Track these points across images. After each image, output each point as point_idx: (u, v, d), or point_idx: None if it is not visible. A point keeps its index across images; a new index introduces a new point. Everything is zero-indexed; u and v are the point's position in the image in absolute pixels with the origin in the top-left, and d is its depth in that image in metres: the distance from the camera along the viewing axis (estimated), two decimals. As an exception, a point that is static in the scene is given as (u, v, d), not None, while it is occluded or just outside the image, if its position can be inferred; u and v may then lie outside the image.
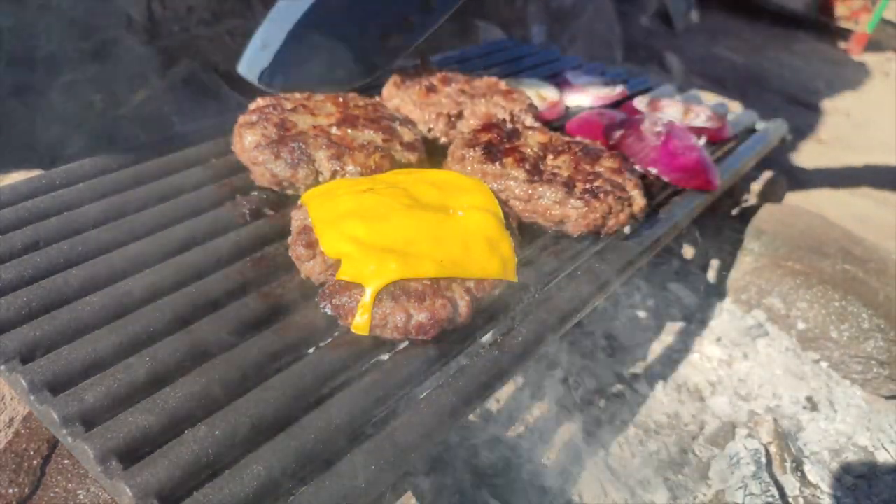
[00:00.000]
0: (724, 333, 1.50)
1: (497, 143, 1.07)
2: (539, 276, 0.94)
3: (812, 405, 1.34)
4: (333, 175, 0.96)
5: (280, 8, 1.22)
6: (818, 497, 1.15)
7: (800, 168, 2.73)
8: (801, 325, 1.47)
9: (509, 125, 1.17)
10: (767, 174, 1.82)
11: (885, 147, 3.03)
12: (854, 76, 3.95)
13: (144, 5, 1.70)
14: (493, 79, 1.33)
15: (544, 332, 0.86)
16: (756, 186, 1.79)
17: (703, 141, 1.38)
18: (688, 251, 1.74)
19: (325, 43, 1.21)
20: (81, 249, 0.86)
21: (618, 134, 1.26)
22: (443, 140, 1.17)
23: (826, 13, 4.64)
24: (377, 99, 1.18)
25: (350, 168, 0.96)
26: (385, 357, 0.78)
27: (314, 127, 1.01)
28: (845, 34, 4.52)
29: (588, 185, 1.01)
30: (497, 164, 1.02)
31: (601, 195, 1.00)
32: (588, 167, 1.06)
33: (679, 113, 1.44)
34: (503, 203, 0.96)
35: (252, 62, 1.22)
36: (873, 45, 4.42)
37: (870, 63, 4.22)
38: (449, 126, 1.17)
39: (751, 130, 1.58)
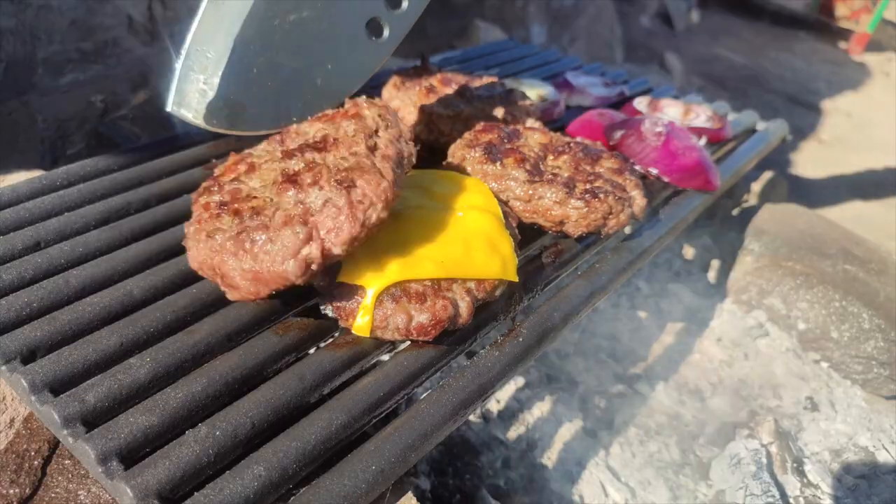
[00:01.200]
0: (724, 334, 1.50)
1: (497, 144, 1.07)
2: (539, 276, 0.94)
3: (813, 405, 1.34)
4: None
5: (207, 17, 0.88)
6: (819, 497, 1.15)
7: (800, 168, 2.73)
8: (801, 326, 1.47)
9: (510, 126, 1.17)
10: (767, 174, 1.82)
11: (885, 147, 3.03)
12: (854, 76, 3.95)
13: (145, 5, 1.70)
14: (493, 79, 1.33)
15: (545, 332, 0.86)
16: (756, 186, 1.79)
17: (703, 141, 1.38)
18: (688, 251, 1.74)
19: (281, 60, 0.92)
20: (82, 250, 0.86)
21: (618, 134, 1.26)
22: (443, 140, 1.17)
23: (826, 13, 4.64)
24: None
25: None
26: (386, 357, 0.78)
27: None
28: (845, 34, 4.52)
29: (588, 186, 1.01)
30: (497, 164, 1.02)
31: (601, 195, 1.00)
32: (588, 167, 1.06)
33: (679, 113, 1.44)
34: (503, 203, 0.96)
35: (188, 95, 0.89)
36: (873, 45, 4.42)
37: (870, 63, 4.22)
38: (449, 126, 1.17)
39: (751, 130, 1.58)
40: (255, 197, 0.74)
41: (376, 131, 0.78)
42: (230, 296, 0.74)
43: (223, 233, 0.72)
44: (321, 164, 0.73)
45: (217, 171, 0.83)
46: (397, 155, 0.76)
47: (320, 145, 0.77)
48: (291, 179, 0.72)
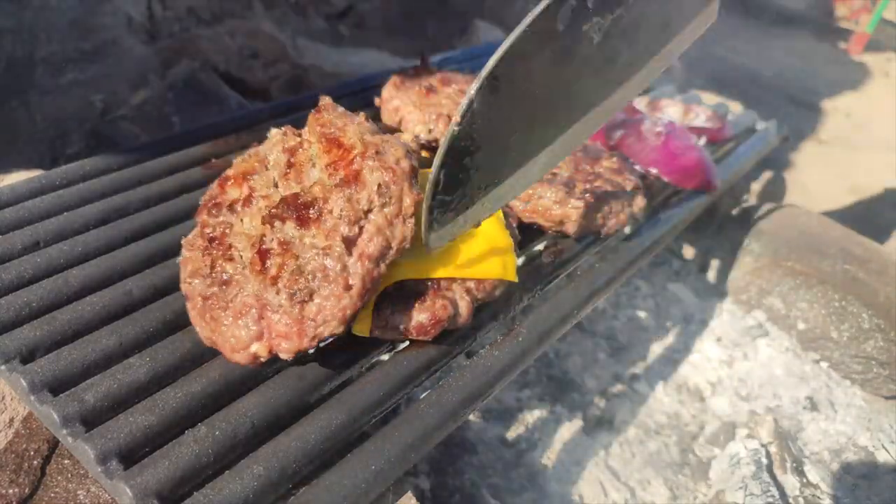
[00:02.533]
0: (724, 333, 1.50)
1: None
2: (539, 276, 0.94)
3: (812, 405, 1.34)
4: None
5: None
6: (818, 497, 1.15)
7: (800, 168, 2.72)
8: (801, 325, 1.47)
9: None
10: (767, 174, 1.82)
11: (885, 147, 3.03)
12: (854, 76, 3.94)
13: (144, 5, 1.70)
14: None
15: (544, 332, 0.86)
16: (756, 186, 1.79)
17: (703, 141, 1.38)
18: (688, 251, 1.74)
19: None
20: (81, 249, 0.86)
21: (618, 134, 1.26)
22: (443, 140, 1.17)
23: (826, 13, 4.64)
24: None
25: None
26: (385, 357, 0.78)
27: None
28: (845, 34, 4.52)
29: (588, 186, 1.01)
30: (497, 164, 1.01)
31: (601, 195, 1.00)
32: (588, 167, 1.06)
33: (679, 113, 1.44)
34: (503, 203, 0.96)
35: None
36: (873, 45, 4.41)
37: (870, 63, 4.22)
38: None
39: (751, 130, 1.58)
40: (231, 257, 0.72)
41: (368, 211, 0.70)
42: None
43: (201, 280, 0.71)
44: (291, 251, 0.69)
45: (229, 171, 0.80)
46: (381, 249, 0.69)
47: (304, 215, 0.70)
48: (262, 258, 0.69)
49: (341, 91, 1.38)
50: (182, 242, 0.77)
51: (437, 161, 0.61)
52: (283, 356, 0.67)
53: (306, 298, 0.66)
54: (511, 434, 1.20)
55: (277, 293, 0.67)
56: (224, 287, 0.70)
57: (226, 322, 0.68)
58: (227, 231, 0.75)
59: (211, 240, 0.74)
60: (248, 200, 0.77)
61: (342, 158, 0.74)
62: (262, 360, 0.68)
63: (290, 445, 0.65)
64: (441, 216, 0.66)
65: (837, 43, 4.51)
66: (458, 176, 0.64)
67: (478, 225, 0.71)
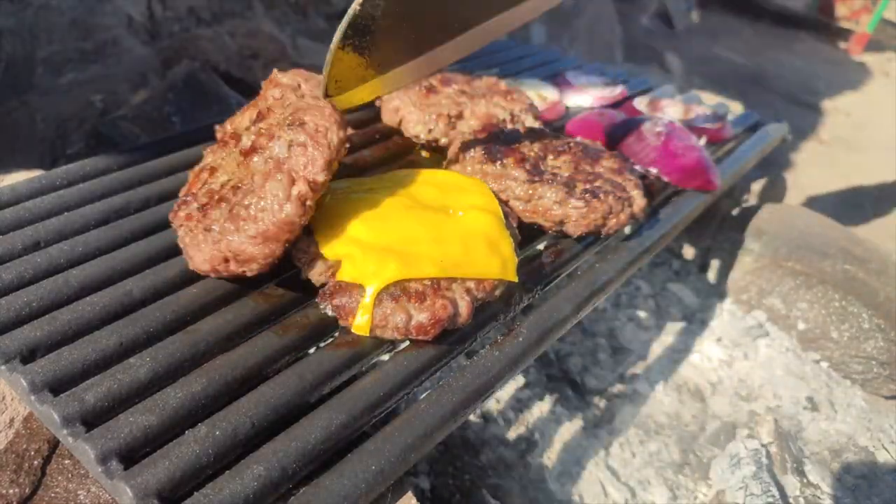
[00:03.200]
0: (724, 333, 1.50)
1: (497, 143, 1.07)
2: (539, 276, 0.94)
3: (812, 405, 1.34)
4: None
5: None
6: (819, 497, 1.15)
7: (800, 168, 2.73)
8: (801, 326, 1.47)
9: (509, 126, 1.17)
10: (767, 174, 1.82)
11: (885, 147, 3.03)
12: (854, 76, 3.95)
13: (144, 5, 1.70)
14: (493, 79, 1.33)
15: (545, 332, 0.86)
16: (756, 186, 1.79)
17: (703, 141, 1.38)
18: (688, 251, 1.74)
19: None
20: (81, 250, 0.86)
21: (618, 134, 1.26)
22: (443, 140, 1.17)
23: (826, 13, 4.65)
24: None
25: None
26: (385, 357, 0.78)
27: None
28: (845, 34, 4.52)
29: (588, 186, 1.01)
30: (497, 164, 1.02)
31: (601, 195, 1.00)
32: (588, 167, 1.06)
33: (679, 113, 1.44)
34: (503, 203, 0.96)
35: None
36: (873, 45, 4.42)
37: (870, 63, 4.22)
38: (449, 126, 1.17)
39: (751, 130, 1.58)
40: (230, 184, 0.79)
41: (298, 86, 0.85)
42: (251, 271, 0.76)
43: (218, 222, 0.75)
44: (268, 127, 0.79)
45: (182, 191, 0.86)
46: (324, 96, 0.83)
47: (258, 119, 0.83)
48: (252, 150, 0.78)
49: (341, 91, 1.38)
50: (179, 242, 0.79)
51: (337, 34, 0.76)
52: (320, 178, 0.72)
53: (301, 122, 0.75)
54: (511, 434, 1.20)
55: (279, 139, 0.75)
56: (238, 190, 0.75)
57: (260, 195, 0.72)
58: (212, 192, 0.80)
59: (202, 207, 0.79)
60: (213, 172, 0.84)
61: (259, 96, 0.90)
62: (309, 200, 0.72)
63: (290, 445, 0.65)
64: (343, 84, 0.81)
65: (837, 43, 4.51)
66: (359, 53, 0.79)
67: (377, 97, 0.89)
